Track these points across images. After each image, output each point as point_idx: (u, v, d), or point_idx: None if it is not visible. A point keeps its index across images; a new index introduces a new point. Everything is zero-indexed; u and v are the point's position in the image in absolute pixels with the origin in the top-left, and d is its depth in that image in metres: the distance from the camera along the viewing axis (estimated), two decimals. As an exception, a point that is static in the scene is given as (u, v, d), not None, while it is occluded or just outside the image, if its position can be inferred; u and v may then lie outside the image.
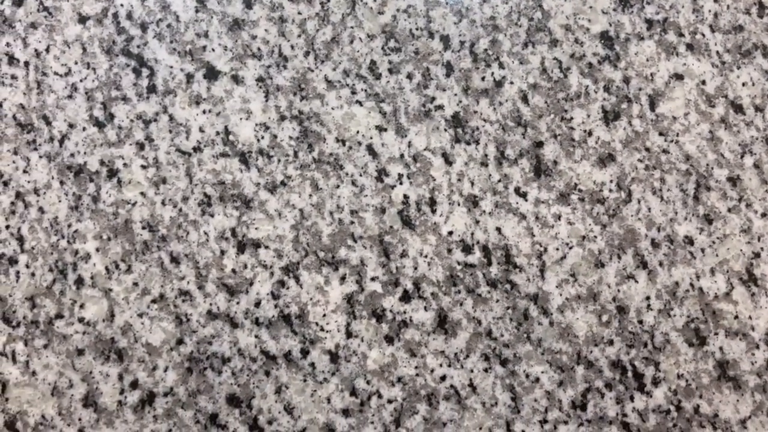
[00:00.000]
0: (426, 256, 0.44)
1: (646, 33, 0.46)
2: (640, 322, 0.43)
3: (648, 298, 0.43)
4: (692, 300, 0.43)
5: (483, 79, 0.46)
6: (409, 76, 0.46)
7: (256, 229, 0.44)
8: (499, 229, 0.44)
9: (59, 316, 0.43)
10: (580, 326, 0.43)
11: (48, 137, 0.45)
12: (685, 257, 0.43)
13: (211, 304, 0.43)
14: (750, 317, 0.43)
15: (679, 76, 0.46)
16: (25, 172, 0.45)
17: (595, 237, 0.44)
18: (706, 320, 0.43)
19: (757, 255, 0.43)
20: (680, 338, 0.42)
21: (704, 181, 0.44)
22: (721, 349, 0.42)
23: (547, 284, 0.43)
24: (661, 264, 0.43)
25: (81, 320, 0.43)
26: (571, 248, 0.44)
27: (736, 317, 0.43)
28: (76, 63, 0.46)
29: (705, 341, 0.42)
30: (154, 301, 0.43)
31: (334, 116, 0.45)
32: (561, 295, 0.43)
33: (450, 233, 0.44)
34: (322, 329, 0.43)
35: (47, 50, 0.46)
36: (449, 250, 0.44)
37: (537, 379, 0.42)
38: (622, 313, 0.43)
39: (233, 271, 0.44)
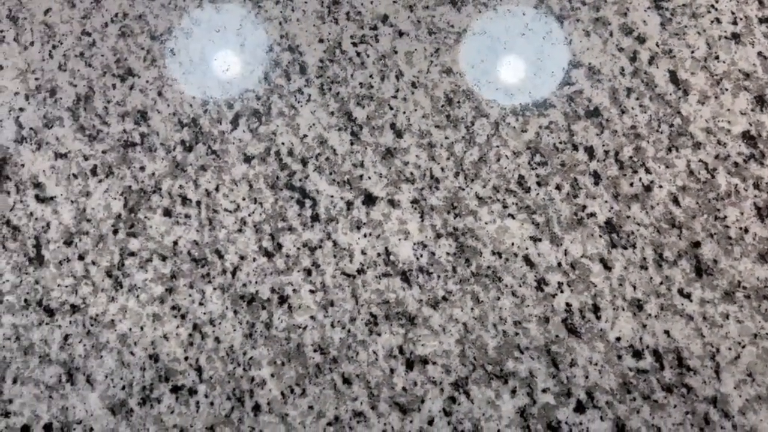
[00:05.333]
0: (596, 364, 0.44)
1: (788, 129, 0.47)
2: (831, 421, 0.41)
3: (834, 394, 0.42)
4: None
5: (631, 184, 0.47)
6: (558, 187, 0.47)
7: (422, 345, 0.45)
8: (667, 332, 0.44)
9: (239, 443, 0.44)
10: (765, 428, 0.41)
11: (221, 270, 0.48)
12: None
13: (385, 424, 0.44)
14: None
15: (829, 168, 0.46)
16: (200, 304, 0.47)
17: (767, 334, 0.43)
18: None
19: None
20: None
21: None
22: None
23: (725, 386, 0.43)
24: (842, 358, 0.42)
25: (261, 447, 0.44)
26: (744, 347, 0.43)
27: None
28: (243, 199, 0.49)
29: None
30: (329, 424, 0.44)
31: (488, 230, 0.47)
32: (741, 396, 0.42)
33: (618, 339, 0.44)
34: (499, 445, 0.43)
35: (217, 189, 0.50)
36: (619, 357, 0.44)
37: (731, 488, 0.41)
38: (810, 412, 0.41)
39: (404, 389, 0.44)
